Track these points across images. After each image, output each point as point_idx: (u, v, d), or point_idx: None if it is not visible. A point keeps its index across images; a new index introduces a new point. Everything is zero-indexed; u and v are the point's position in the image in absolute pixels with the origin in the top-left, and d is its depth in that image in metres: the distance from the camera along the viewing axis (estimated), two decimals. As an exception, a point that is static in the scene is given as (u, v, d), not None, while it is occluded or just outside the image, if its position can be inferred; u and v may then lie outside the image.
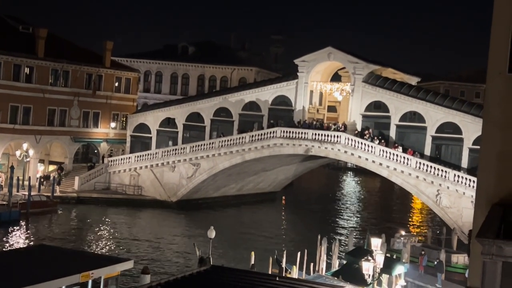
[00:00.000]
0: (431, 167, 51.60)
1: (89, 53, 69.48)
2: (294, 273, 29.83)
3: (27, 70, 61.13)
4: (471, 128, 53.12)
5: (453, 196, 50.54)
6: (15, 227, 47.48)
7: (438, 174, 51.13)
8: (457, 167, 52.63)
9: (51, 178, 59.31)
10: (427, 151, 54.97)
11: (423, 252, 37.89)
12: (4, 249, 39.65)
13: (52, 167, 65.84)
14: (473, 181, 48.95)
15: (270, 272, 30.05)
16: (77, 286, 21.69)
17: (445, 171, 51.03)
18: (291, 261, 32.45)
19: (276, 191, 73.56)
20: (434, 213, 55.89)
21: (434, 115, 55.14)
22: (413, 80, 67.73)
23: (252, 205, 65.64)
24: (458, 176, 50.53)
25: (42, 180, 58.36)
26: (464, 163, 53.39)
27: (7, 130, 59.45)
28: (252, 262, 31.92)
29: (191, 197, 62.04)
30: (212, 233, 32.77)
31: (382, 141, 54.82)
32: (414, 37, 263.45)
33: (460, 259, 38.48)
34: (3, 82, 58.97)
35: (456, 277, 36.03)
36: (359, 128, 57.41)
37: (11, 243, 43.26)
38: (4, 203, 50.81)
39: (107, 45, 68.92)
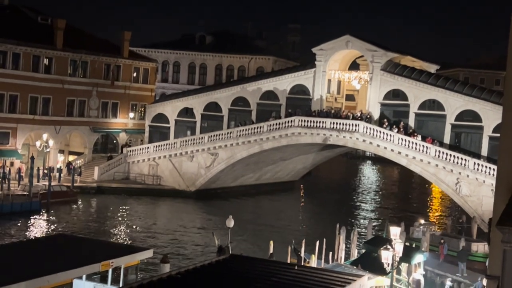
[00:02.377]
0: (450, 155, 51.26)
1: (107, 43, 69.75)
2: (313, 262, 29.86)
3: (46, 61, 61.52)
4: (491, 115, 52.67)
5: (473, 185, 50.20)
6: (36, 217, 47.99)
7: (457, 163, 50.80)
8: (477, 155, 52.23)
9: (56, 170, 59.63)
10: (447, 139, 54.60)
11: (442, 241, 37.70)
12: (25, 239, 40.11)
13: (72, 157, 66.38)
14: (493, 169, 48.61)
15: (288, 261, 30.10)
16: (97, 275, 21.89)
17: (465, 159, 50.68)
18: (309, 250, 32.49)
19: (295, 180, 73.52)
20: (454, 202, 55.57)
21: (454, 103, 54.71)
22: (432, 68, 67.21)
23: (271, 194, 65.68)
24: (478, 164, 50.17)
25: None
26: (484, 151, 52.97)
27: (27, 120, 59.97)
28: (271, 251, 31.99)
29: (210, 187, 62.23)
30: (230, 223, 32.87)
31: (401, 129, 54.52)
32: (433, 25, 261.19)
33: (480, 247, 38.25)
34: (23, 73, 59.40)
35: (476, 266, 35.84)
36: (377, 117, 57.08)
37: (32, 232, 43.76)
38: (25, 193, 51.36)
39: (125, 35, 69.14)
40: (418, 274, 30.14)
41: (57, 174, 59.56)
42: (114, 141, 69.43)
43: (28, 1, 67.85)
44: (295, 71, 63.09)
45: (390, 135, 53.63)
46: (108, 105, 67.50)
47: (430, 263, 34.68)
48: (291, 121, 57.71)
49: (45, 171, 58.63)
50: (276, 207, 60.55)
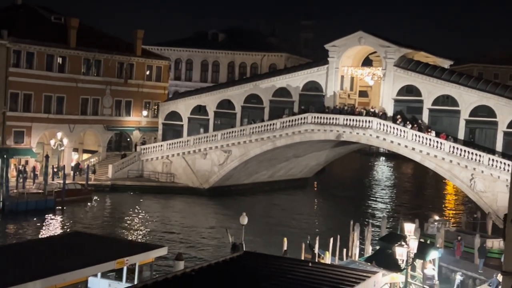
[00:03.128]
0: (465, 151, 50.98)
1: (120, 42, 69.97)
2: (327, 259, 29.83)
3: (60, 60, 61.87)
4: (505, 111, 52.36)
5: (487, 180, 49.91)
6: (50, 215, 48.31)
7: (472, 158, 50.51)
8: (492, 151, 51.91)
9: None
10: (461, 135, 54.30)
11: (459, 238, 37.52)
12: (40, 237, 40.38)
13: (86, 155, 66.78)
14: (508, 165, 48.43)
15: (302, 258, 30.09)
16: (112, 273, 22.01)
17: (479, 155, 50.38)
18: (323, 247, 32.43)
19: (308, 177, 73.46)
20: (468, 198, 55.27)
21: (468, 99, 54.38)
22: (446, 63, 66.84)
23: (284, 191, 65.69)
24: (493, 160, 49.85)
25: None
26: (499, 146, 52.64)
27: (41, 119, 60.35)
28: (285, 248, 31.98)
29: (223, 184, 62.31)
30: (244, 220, 32.89)
31: (415, 125, 54.29)
32: (446, 20, 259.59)
33: (495, 243, 38.02)
34: (37, 72, 59.80)
35: (492, 262, 35.59)
36: (391, 113, 56.88)
37: (47, 230, 44.04)
38: (40, 191, 51.71)
39: (137, 33, 69.35)
40: (430, 269, 30.04)
41: (71, 172, 59.95)
42: (128, 139, 69.73)
43: (41, 1, 68.17)
44: (308, 67, 62.97)
45: (404, 131, 53.44)
46: (121, 104, 67.78)
47: (445, 259, 34.54)
48: (304, 118, 57.64)
49: (55, 170, 58.81)
50: (290, 204, 60.54)
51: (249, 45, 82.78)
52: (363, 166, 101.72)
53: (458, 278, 30.84)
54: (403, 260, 25.04)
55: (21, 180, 54.29)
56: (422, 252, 28.62)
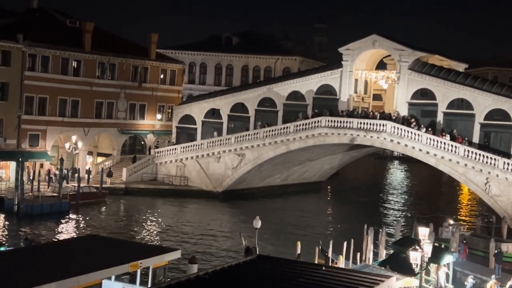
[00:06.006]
0: (479, 155, 50.65)
1: (134, 46, 70.33)
2: (341, 263, 29.76)
3: (74, 64, 62.26)
4: (521, 114, 52.02)
5: (502, 184, 49.57)
6: (65, 218, 48.57)
7: (487, 162, 50.18)
8: (507, 155, 51.55)
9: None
10: (476, 138, 53.99)
11: (465, 241, 37.53)
12: (55, 240, 40.60)
13: (100, 159, 67.12)
14: (524, 169, 48.06)
15: (316, 262, 30.04)
16: (126, 276, 22.07)
17: (494, 159, 50.04)
18: (337, 251, 32.36)
19: (322, 180, 73.32)
20: (483, 202, 54.93)
21: (483, 102, 54.07)
22: (461, 67, 66.51)
23: (297, 195, 65.60)
24: (508, 164, 49.51)
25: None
26: (514, 150, 52.29)
27: (56, 123, 60.74)
28: (298, 252, 31.95)
29: (237, 187, 62.35)
30: (257, 223, 32.89)
31: (429, 129, 54.04)
32: (461, 23, 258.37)
33: (510, 248, 37.79)
34: (52, 76, 60.21)
35: (506, 266, 35.36)
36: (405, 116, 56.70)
37: (62, 233, 44.26)
38: (55, 194, 52.02)
39: (152, 37, 69.66)
40: (442, 272, 29.93)
41: (86, 175, 60.23)
42: (142, 143, 69.98)
43: (57, 4, 68.82)
44: (322, 71, 62.92)
45: (418, 135, 53.20)
46: (135, 107, 68.07)
47: (460, 263, 34.36)
48: (318, 121, 57.56)
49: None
50: (303, 207, 60.43)
51: (263, 48, 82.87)
52: (377, 169, 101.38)
53: (470, 281, 30.71)
54: (417, 265, 24.92)
55: (35, 183, 54.62)
56: (436, 256, 28.50)
